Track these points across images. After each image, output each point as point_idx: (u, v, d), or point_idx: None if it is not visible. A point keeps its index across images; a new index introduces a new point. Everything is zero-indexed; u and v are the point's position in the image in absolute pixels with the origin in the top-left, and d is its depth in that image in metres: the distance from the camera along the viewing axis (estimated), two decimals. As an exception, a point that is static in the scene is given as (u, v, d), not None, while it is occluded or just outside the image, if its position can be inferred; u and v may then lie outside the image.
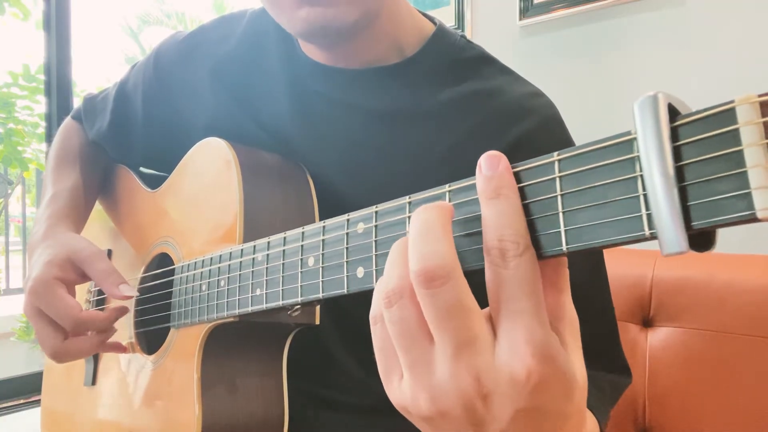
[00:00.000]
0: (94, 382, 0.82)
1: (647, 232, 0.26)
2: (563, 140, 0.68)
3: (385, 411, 0.68)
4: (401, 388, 0.34)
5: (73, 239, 0.72)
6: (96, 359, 0.83)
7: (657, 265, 1.02)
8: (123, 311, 0.70)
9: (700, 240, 0.26)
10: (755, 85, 1.30)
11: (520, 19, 1.65)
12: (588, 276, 0.65)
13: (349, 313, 0.67)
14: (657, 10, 1.44)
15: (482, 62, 0.71)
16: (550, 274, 0.33)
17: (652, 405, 0.97)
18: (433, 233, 0.31)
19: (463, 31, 1.77)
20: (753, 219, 0.23)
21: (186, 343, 0.65)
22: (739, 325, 0.91)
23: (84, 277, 0.70)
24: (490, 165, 0.32)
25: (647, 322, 1.02)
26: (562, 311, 0.33)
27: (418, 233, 0.31)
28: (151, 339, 0.75)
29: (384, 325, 0.33)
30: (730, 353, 0.91)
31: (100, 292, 0.85)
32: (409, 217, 0.37)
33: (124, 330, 0.78)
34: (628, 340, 1.01)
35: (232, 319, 0.58)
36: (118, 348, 0.75)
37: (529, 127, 0.64)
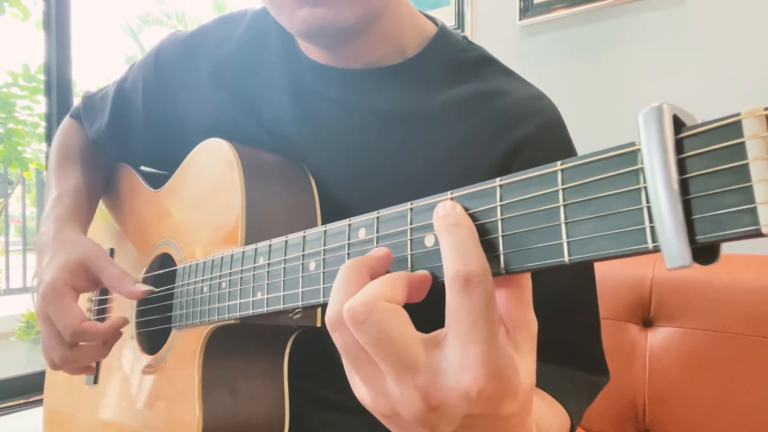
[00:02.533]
0: (96, 382, 0.83)
1: (650, 245, 0.26)
2: (564, 143, 0.68)
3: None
4: (362, 388, 0.38)
5: (84, 243, 0.72)
6: (97, 359, 0.83)
7: (657, 265, 1.02)
8: (123, 322, 0.70)
9: (704, 253, 0.26)
10: (755, 86, 1.30)
11: (520, 19, 1.65)
12: (575, 278, 0.66)
13: None
14: (657, 10, 1.44)
15: (484, 63, 0.71)
16: (514, 288, 0.35)
17: (652, 405, 0.98)
18: (348, 282, 0.36)
19: (463, 31, 1.77)
20: (758, 234, 0.23)
21: (187, 344, 0.65)
22: (739, 325, 0.91)
23: (95, 284, 0.70)
24: (445, 206, 0.35)
25: (647, 322, 1.02)
26: (523, 321, 0.35)
27: (339, 282, 0.37)
28: (152, 339, 0.76)
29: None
30: (730, 353, 0.91)
31: (101, 302, 0.86)
32: (410, 225, 0.37)
33: (126, 330, 0.78)
34: (628, 340, 1.02)
35: (233, 321, 0.58)
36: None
37: (531, 130, 0.64)
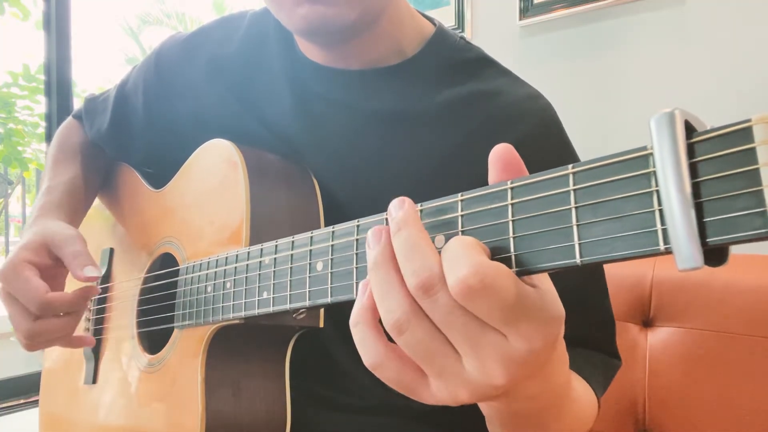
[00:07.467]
0: (94, 381, 0.83)
1: (662, 247, 0.27)
2: (561, 143, 0.68)
3: (385, 412, 0.69)
4: (434, 393, 0.36)
5: (52, 225, 0.72)
6: (96, 357, 0.83)
7: (657, 265, 1.02)
8: (90, 291, 0.69)
9: (714, 255, 0.27)
10: (755, 86, 1.30)
11: (520, 19, 1.65)
12: (587, 276, 0.67)
13: (350, 314, 0.68)
14: (657, 10, 1.44)
15: (482, 64, 0.71)
16: None
17: (652, 405, 0.97)
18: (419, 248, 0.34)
19: (463, 31, 1.77)
20: None
21: (190, 343, 0.65)
22: (739, 325, 0.91)
23: (57, 262, 0.69)
24: (397, 205, 0.36)
25: (647, 322, 1.02)
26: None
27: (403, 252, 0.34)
28: (153, 339, 0.76)
29: (390, 364, 0.36)
30: (730, 353, 0.91)
31: (100, 301, 0.86)
32: None
33: (127, 329, 0.78)
34: (628, 340, 1.01)
35: (237, 321, 0.59)
36: (85, 341, 0.74)
37: (528, 130, 0.65)
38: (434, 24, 0.74)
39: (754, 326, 0.90)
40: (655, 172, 0.27)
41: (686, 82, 1.39)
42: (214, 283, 0.61)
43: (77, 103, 0.95)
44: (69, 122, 0.96)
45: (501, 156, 0.35)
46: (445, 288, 0.32)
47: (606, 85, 1.52)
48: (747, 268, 0.95)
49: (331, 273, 0.43)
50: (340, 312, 0.67)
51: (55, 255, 0.69)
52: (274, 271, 0.51)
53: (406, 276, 0.33)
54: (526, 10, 1.64)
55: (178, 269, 0.69)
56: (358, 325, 0.37)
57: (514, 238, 0.33)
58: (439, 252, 0.33)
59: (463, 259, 0.31)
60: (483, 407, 0.46)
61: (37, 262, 0.68)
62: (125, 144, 0.88)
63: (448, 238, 0.35)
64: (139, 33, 9.09)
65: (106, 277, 0.86)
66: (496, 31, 1.72)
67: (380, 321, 0.36)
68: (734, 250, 0.27)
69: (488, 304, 0.31)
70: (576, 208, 0.30)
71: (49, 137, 1.85)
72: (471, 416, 0.64)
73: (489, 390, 0.34)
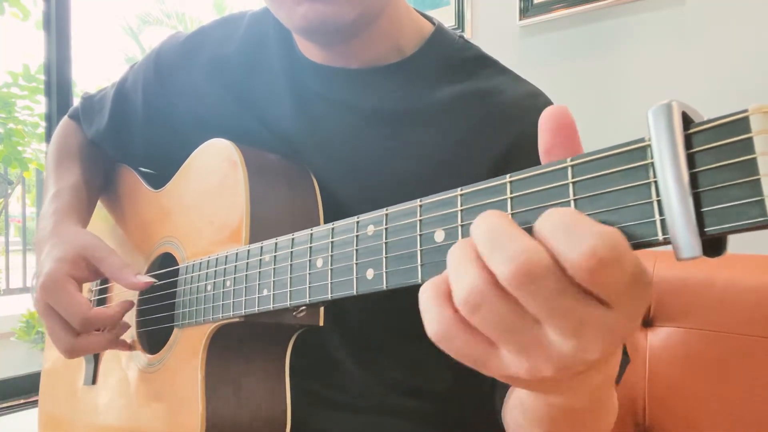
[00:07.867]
0: (94, 382, 0.82)
1: (661, 237, 0.27)
2: None
3: (385, 411, 0.69)
4: (506, 366, 0.31)
5: (83, 235, 0.72)
6: (96, 358, 0.83)
7: (657, 265, 1.02)
8: (129, 306, 0.70)
9: (712, 245, 0.27)
10: (755, 85, 1.31)
11: (520, 19, 1.65)
12: None
13: (350, 313, 0.68)
14: (657, 10, 1.45)
15: (481, 62, 0.71)
16: None
17: (652, 405, 0.97)
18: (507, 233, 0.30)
19: (463, 31, 1.77)
20: (766, 226, 0.24)
21: (190, 342, 0.65)
22: (739, 325, 0.91)
23: (95, 274, 0.70)
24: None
25: (647, 322, 1.02)
26: None
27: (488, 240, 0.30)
28: (153, 338, 0.76)
29: (458, 334, 0.31)
30: (730, 353, 0.91)
31: (101, 291, 0.86)
32: (420, 221, 0.37)
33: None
34: (627, 340, 1.02)
35: (237, 320, 0.59)
36: (124, 345, 0.75)
37: (528, 128, 0.65)
38: (433, 23, 0.74)
39: (754, 326, 0.90)
40: (653, 163, 0.27)
41: (686, 82, 1.40)
42: (214, 282, 0.61)
43: (77, 103, 0.95)
44: (65, 123, 0.95)
45: (555, 116, 0.32)
46: (553, 268, 0.28)
47: (606, 85, 1.52)
48: (747, 268, 0.95)
49: (331, 269, 0.44)
50: (340, 311, 0.67)
51: (93, 267, 0.69)
52: (274, 269, 0.51)
53: (497, 265, 0.29)
54: (526, 10, 1.64)
55: (178, 268, 0.69)
56: (425, 292, 0.32)
57: None
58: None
59: (582, 230, 0.27)
60: (530, 400, 0.43)
61: (77, 275, 0.68)
62: (125, 142, 0.88)
63: (447, 233, 0.35)
64: (139, 33, 9.11)
65: (106, 278, 0.86)
66: (496, 31, 1.72)
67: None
68: (734, 249, 0.27)
69: (616, 276, 0.27)
70: (575, 200, 0.30)
71: (49, 137, 1.85)
72: (471, 416, 0.64)
73: (579, 366, 0.30)
